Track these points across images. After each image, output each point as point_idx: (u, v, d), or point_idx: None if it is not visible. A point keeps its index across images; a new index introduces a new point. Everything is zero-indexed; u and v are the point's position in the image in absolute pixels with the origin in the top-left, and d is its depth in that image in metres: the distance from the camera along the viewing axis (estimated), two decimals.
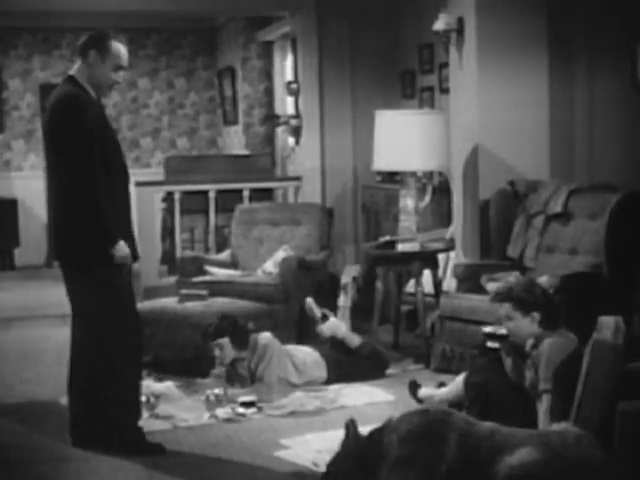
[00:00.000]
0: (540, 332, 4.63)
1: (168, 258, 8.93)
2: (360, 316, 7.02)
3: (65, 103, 4.60)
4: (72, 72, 4.71)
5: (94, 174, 4.52)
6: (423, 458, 3.69)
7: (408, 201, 6.79)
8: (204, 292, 6.66)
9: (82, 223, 4.58)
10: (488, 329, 5.03)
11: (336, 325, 6.26)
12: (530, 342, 4.65)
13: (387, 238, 6.88)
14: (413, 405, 5.11)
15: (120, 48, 4.70)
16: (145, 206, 8.34)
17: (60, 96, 4.64)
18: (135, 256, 4.79)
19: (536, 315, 4.65)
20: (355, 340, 6.19)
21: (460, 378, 5.08)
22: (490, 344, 5.00)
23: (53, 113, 4.63)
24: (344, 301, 6.61)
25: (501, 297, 4.76)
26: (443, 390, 5.25)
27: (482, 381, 4.82)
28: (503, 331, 4.85)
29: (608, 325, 4.01)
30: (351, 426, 3.91)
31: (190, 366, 6.17)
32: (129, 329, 4.75)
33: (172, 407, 5.50)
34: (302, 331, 6.67)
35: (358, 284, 6.67)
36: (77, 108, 4.56)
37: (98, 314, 4.69)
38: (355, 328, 6.58)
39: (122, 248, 4.61)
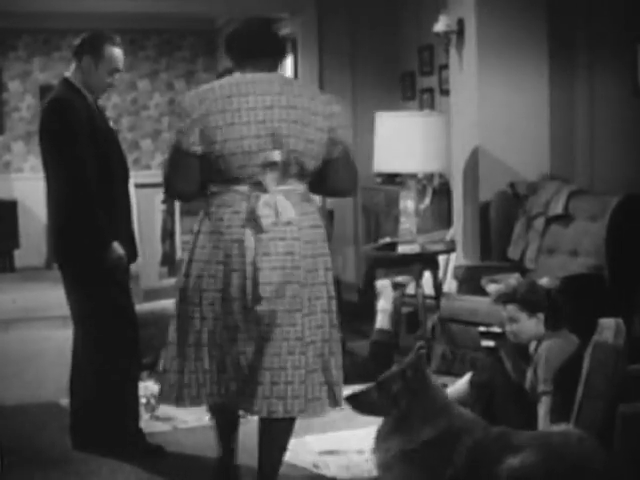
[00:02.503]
0: (543, 333, 4.61)
1: (168, 260, 8.92)
2: (360, 317, 7.00)
3: (51, 108, 4.63)
4: (67, 74, 4.72)
5: (83, 176, 4.51)
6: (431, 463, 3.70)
7: (408, 203, 6.78)
8: None
9: (73, 225, 4.58)
10: (482, 328, 5.02)
11: None
12: (534, 344, 4.63)
13: (387, 240, 6.87)
14: None
15: (114, 52, 4.65)
16: (145, 208, 8.34)
17: (48, 101, 4.68)
18: (134, 255, 4.79)
19: (541, 316, 4.61)
20: None
21: (466, 378, 5.05)
22: (485, 343, 4.99)
23: (41, 117, 4.67)
24: (383, 305, 6.46)
25: (505, 298, 4.68)
26: (446, 390, 5.23)
27: (487, 380, 4.80)
28: (497, 329, 4.82)
29: (609, 327, 4.01)
30: None
31: None
32: (125, 331, 4.73)
33: (172, 409, 5.49)
34: None
35: (402, 289, 6.52)
36: (62, 112, 4.57)
37: (93, 316, 4.68)
38: (355, 329, 6.56)
39: (115, 250, 4.59)
